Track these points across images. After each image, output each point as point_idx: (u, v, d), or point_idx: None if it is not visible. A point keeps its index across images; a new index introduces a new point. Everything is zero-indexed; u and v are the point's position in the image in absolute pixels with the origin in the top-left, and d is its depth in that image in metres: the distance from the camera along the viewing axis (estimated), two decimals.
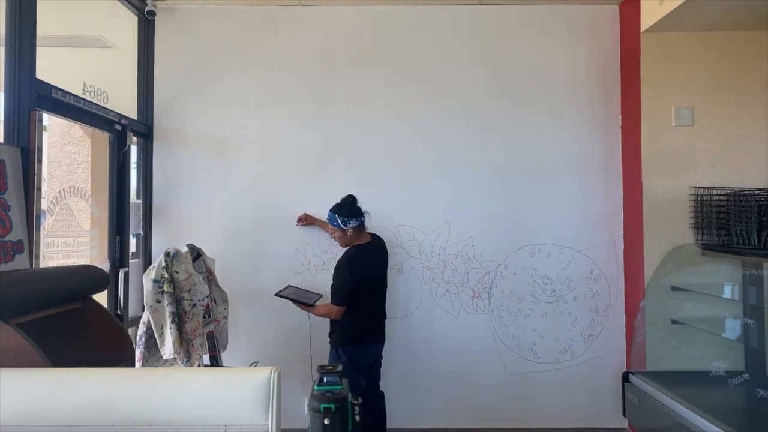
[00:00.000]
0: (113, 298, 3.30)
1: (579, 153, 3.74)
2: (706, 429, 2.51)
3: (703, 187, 3.31)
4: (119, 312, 3.29)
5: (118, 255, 3.37)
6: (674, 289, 3.33)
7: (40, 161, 2.58)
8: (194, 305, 3.06)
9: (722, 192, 3.24)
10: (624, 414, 3.37)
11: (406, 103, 3.76)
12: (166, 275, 2.98)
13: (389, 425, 3.64)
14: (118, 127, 3.36)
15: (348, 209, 3.10)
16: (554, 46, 3.77)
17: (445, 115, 3.75)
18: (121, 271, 3.35)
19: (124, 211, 3.42)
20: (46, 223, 2.99)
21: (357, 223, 3.09)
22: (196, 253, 3.31)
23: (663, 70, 3.44)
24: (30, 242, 2.41)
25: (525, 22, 3.78)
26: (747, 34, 3.40)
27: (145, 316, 3.01)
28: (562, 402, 3.70)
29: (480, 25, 3.79)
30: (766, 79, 3.40)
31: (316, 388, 1.27)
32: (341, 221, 3.07)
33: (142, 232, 3.71)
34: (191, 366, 3.02)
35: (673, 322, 3.31)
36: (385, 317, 3.24)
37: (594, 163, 3.74)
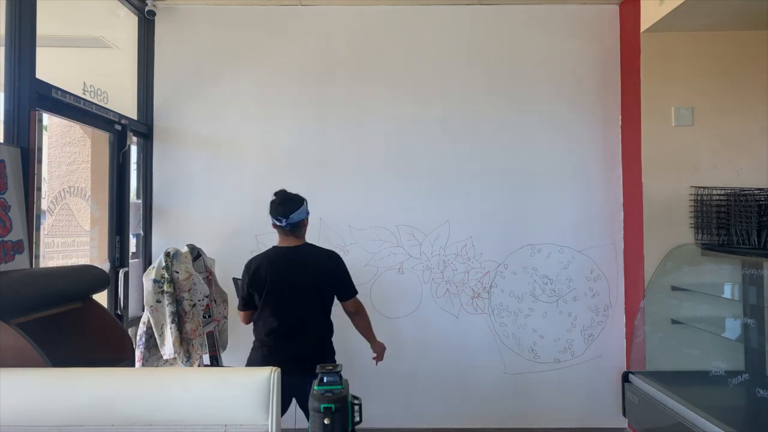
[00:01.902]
0: (113, 298, 3.30)
1: (579, 153, 3.74)
2: (706, 429, 2.51)
3: (703, 187, 3.31)
4: (119, 312, 3.29)
5: (118, 255, 3.37)
6: (674, 288, 3.33)
7: (40, 161, 2.58)
8: (194, 305, 3.06)
9: (722, 192, 3.25)
10: (624, 414, 3.37)
11: (406, 103, 3.75)
12: (166, 275, 2.98)
13: (390, 425, 3.64)
14: (118, 127, 3.36)
15: (271, 207, 2.65)
16: (554, 46, 3.77)
17: (445, 115, 3.75)
18: (121, 271, 3.35)
19: (124, 211, 3.42)
20: (46, 223, 2.99)
21: (274, 221, 2.62)
22: (196, 253, 3.31)
23: (663, 70, 3.44)
24: (30, 242, 2.41)
25: (525, 22, 3.78)
26: (747, 34, 3.40)
27: (145, 316, 3.01)
28: (562, 402, 3.70)
29: (480, 26, 3.79)
30: (766, 79, 3.40)
31: (316, 388, 1.27)
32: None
33: (142, 232, 3.71)
34: (191, 366, 3.02)
35: (673, 322, 3.31)
36: (307, 342, 2.59)
37: (594, 163, 3.74)
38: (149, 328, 3.00)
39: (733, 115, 3.41)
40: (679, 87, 3.43)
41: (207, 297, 3.12)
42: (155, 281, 2.96)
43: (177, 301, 3.01)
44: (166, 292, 2.96)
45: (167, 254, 3.03)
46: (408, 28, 3.79)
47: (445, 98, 3.75)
